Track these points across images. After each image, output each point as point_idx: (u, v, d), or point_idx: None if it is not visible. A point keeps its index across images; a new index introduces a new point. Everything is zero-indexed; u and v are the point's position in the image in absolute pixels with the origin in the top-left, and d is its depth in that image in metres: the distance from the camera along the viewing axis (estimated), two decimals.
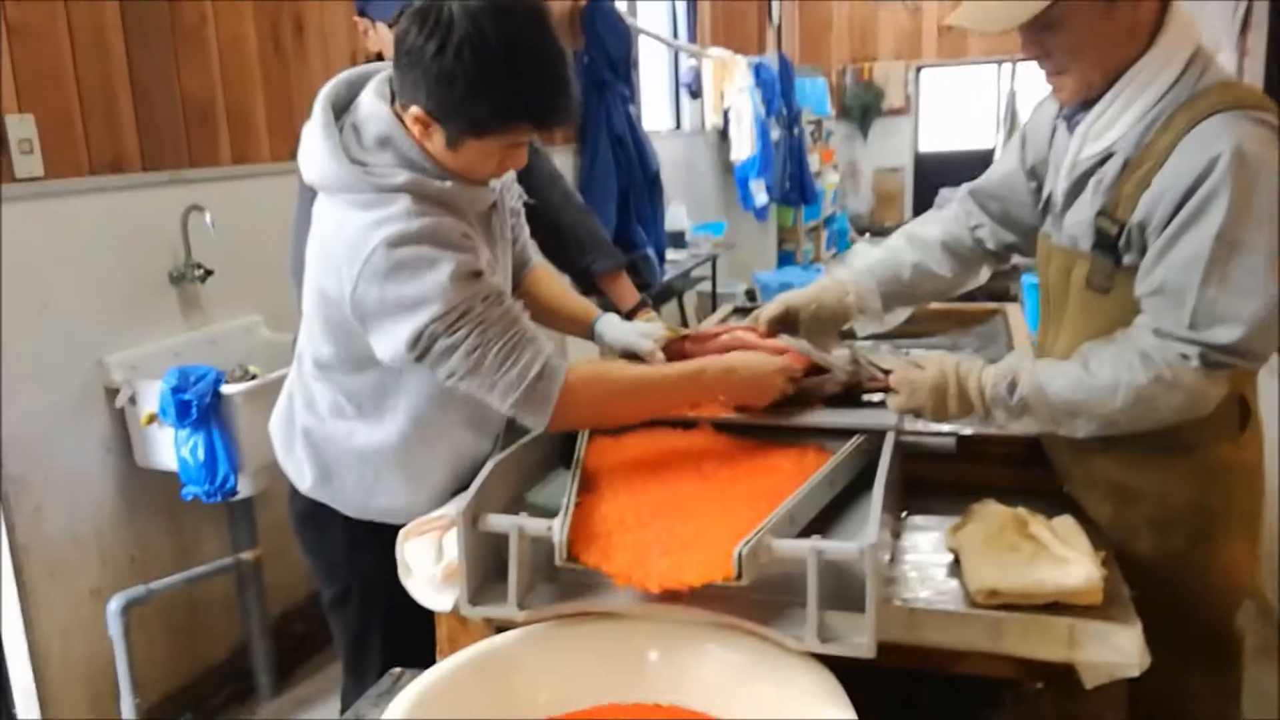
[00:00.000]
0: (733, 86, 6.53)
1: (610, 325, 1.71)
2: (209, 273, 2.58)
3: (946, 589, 1.30)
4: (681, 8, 6.78)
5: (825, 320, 1.62)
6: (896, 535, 1.44)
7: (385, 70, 1.45)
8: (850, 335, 1.74)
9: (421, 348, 1.35)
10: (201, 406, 2.19)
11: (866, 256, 1.67)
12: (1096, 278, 1.38)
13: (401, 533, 1.45)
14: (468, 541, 1.26)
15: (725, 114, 6.65)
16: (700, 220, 6.14)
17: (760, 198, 6.81)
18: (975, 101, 10.45)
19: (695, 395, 1.51)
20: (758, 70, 6.91)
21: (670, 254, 5.09)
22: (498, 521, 1.27)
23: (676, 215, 5.52)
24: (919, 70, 10.70)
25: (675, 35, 6.68)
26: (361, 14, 2.11)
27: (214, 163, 2.67)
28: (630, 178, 4.21)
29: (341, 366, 1.50)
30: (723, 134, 6.93)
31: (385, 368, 1.46)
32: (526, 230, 1.78)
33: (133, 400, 2.32)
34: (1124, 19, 1.29)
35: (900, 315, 1.69)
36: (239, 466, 2.28)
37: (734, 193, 6.98)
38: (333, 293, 1.40)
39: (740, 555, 1.14)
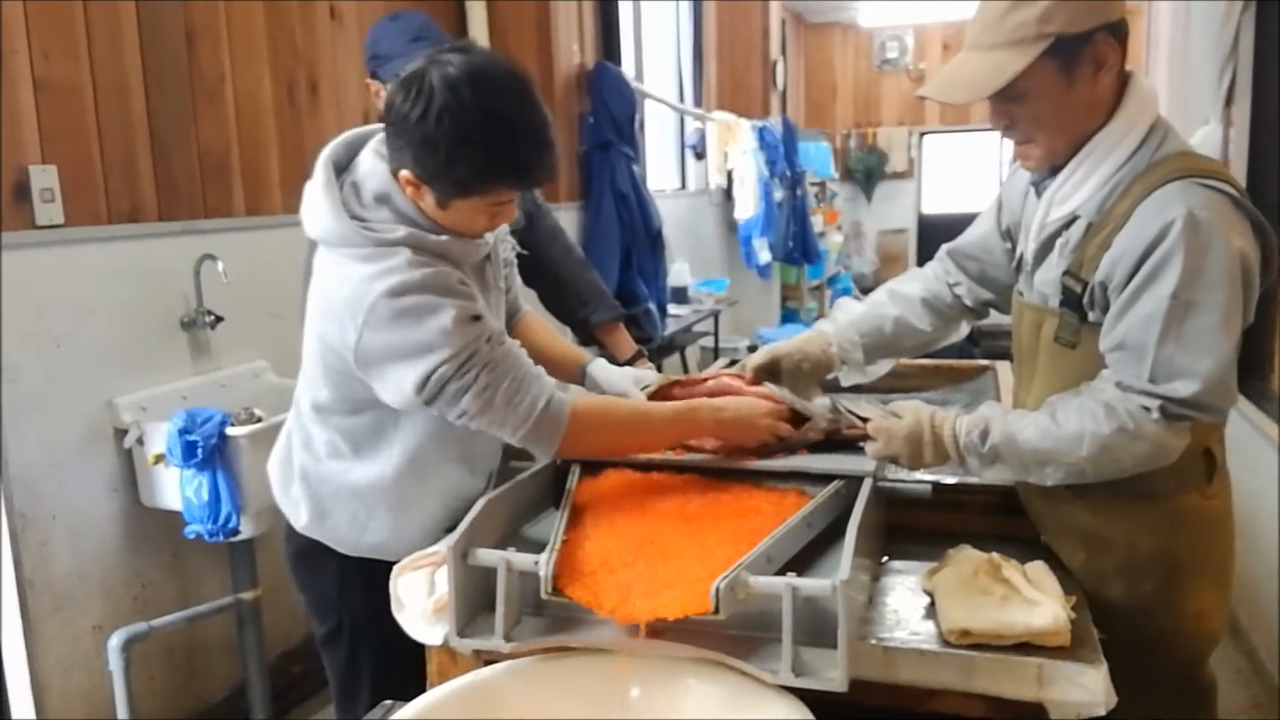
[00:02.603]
0: (736, 148, 6.68)
1: (601, 369, 1.78)
2: (219, 319, 2.65)
3: (921, 629, 1.34)
4: (688, 71, 6.96)
5: (809, 370, 1.69)
6: (875, 579, 1.49)
7: (383, 131, 1.54)
8: (835, 387, 1.80)
9: (430, 391, 1.42)
10: (207, 447, 2.25)
11: (850, 311, 1.74)
12: (1064, 333, 1.45)
13: (396, 568, 1.50)
14: (457, 575, 1.31)
15: (729, 175, 6.79)
16: (704, 277, 6.24)
17: (763, 256, 6.92)
18: (976, 166, 10.63)
19: (689, 431, 1.58)
20: (761, 133, 7.06)
21: (673, 309, 5.17)
22: (486, 556, 1.32)
23: (680, 272, 5.61)
24: (922, 135, 10.92)
25: (681, 98, 6.85)
26: (373, 76, 2.22)
27: (228, 214, 2.76)
28: (633, 234, 4.31)
29: (339, 409, 1.57)
30: (727, 194, 7.06)
31: (383, 409, 1.53)
32: (518, 280, 1.86)
33: (140, 441, 2.38)
34: (1084, 92, 1.37)
35: (882, 367, 1.75)
36: (241, 507, 2.33)
37: (738, 251, 7.09)
38: (333, 341, 1.47)
39: (718, 590, 1.19)
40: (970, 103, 1.37)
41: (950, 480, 1.70)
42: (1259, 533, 2.82)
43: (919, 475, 1.63)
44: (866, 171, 10.82)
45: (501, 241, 1.75)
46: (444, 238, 1.47)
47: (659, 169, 6.52)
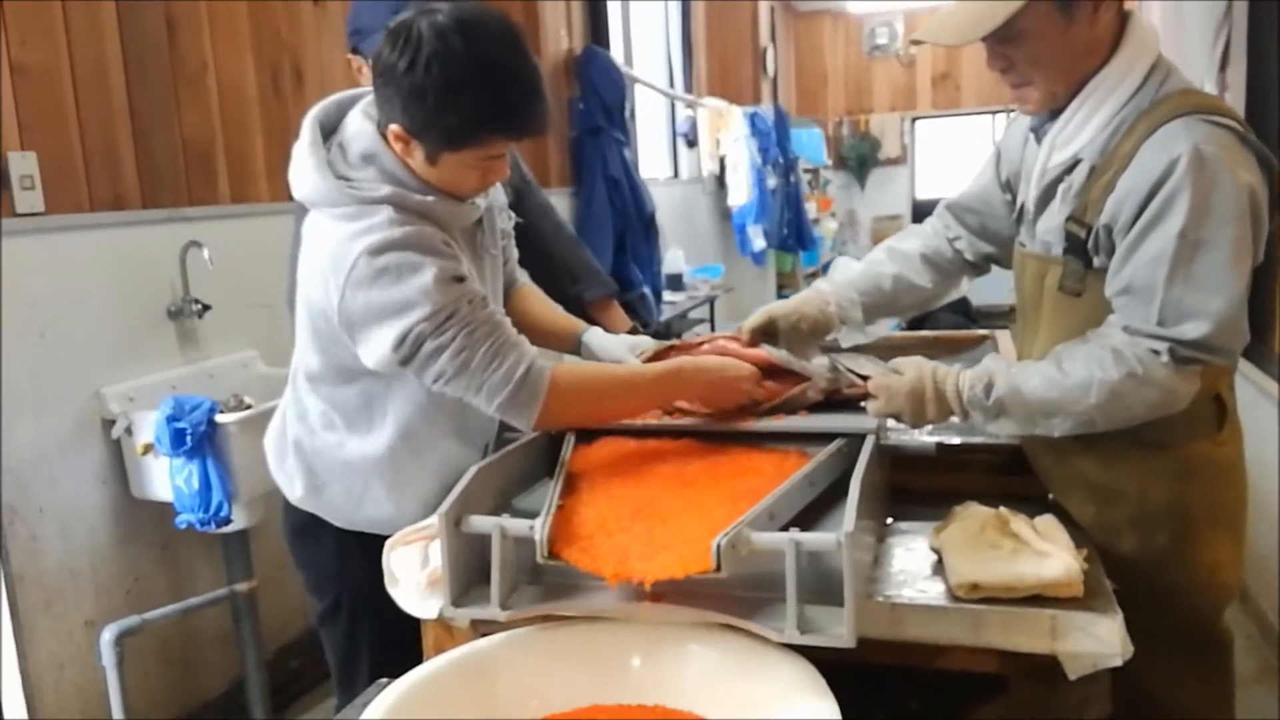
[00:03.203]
0: (728, 135, 6.64)
1: (597, 338, 1.74)
2: (206, 307, 2.61)
3: (929, 587, 1.31)
4: (678, 59, 6.92)
5: (807, 331, 1.65)
6: (881, 540, 1.45)
7: (372, 94, 1.50)
8: (836, 348, 1.76)
9: (408, 349, 1.38)
10: (196, 435, 2.21)
11: (848, 270, 1.70)
12: (1068, 281, 1.41)
13: (388, 542, 1.46)
14: (450, 543, 1.27)
15: (721, 161, 6.75)
16: (698, 264, 6.20)
17: (758, 243, 6.88)
18: (969, 151, 10.59)
19: (674, 391, 1.54)
20: (753, 119, 7.03)
21: (668, 295, 5.13)
22: (480, 522, 1.28)
23: (674, 259, 5.58)
24: (914, 121, 10.89)
25: (671, 85, 6.81)
26: (354, 51, 2.17)
27: (213, 201, 2.72)
28: (626, 219, 4.28)
29: (330, 378, 1.53)
30: (720, 181, 7.02)
31: (372, 379, 1.49)
32: (516, 252, 1.82)
33: (129, 431, 2.34)
34: (1083, 31, 1.34)
35: (883, 326, 1.72)
36: (233, 495, 2.29)
37: (732, 238, 7.06)
38: (319, 303, 1.44)
39: (719, 546, 1.15)
40: (966, 44, 1.33)
41: (955, 440, 1.66)
42: (1263, 496, 2.78)
43: (922, 433, 1.59)
44: (859, 158, 10.79)
45: (500, 211, 1.72)
46: (430, 198, 1.44)
47: (651, 157, 6.47)
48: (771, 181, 7.14)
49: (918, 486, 1.60)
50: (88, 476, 2.36)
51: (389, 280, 1.36)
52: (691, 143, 6.82)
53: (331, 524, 1.60)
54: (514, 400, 1.41)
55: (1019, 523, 1.35)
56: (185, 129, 2.64)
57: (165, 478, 2.31)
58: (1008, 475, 1.62)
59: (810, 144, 8.85)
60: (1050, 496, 1.52)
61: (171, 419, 2.20)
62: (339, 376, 1.52)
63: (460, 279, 1.40)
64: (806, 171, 8.39)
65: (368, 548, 1.54)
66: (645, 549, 1.23)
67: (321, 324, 1.47)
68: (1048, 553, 1.28)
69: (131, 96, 2.46)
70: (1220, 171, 1.25)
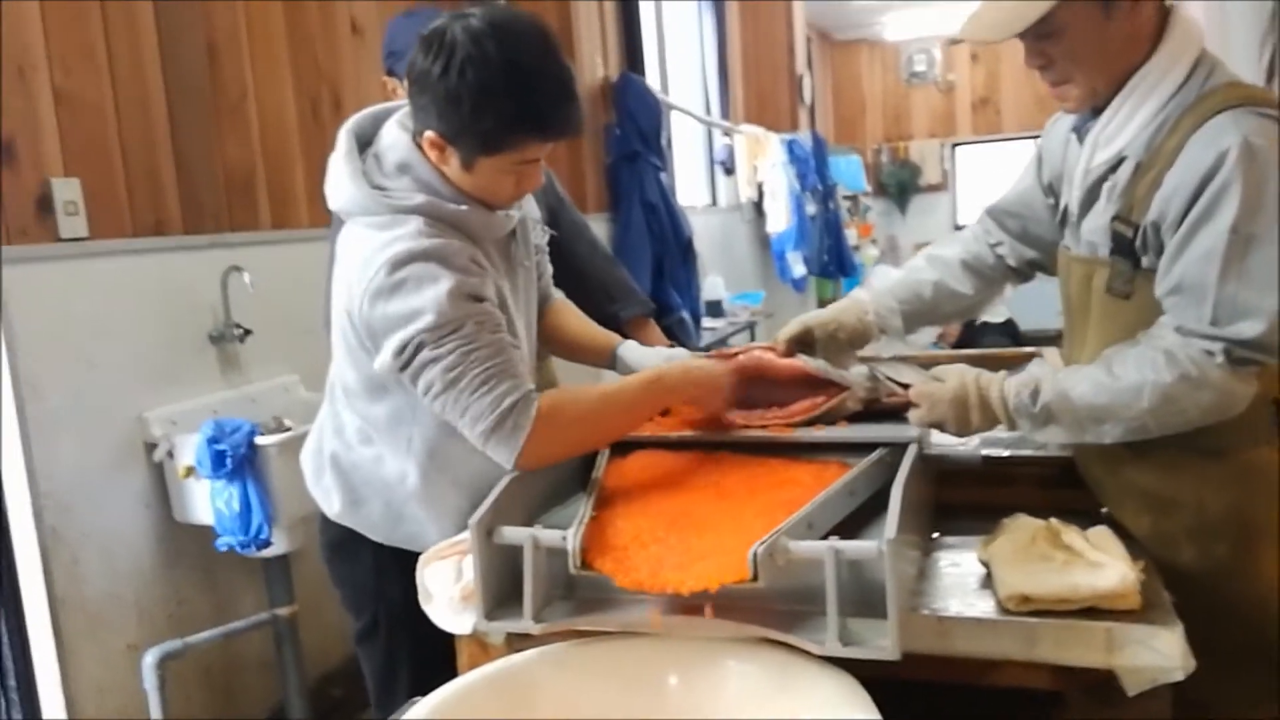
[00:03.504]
0: (766, 161, 6.62)
1: (632, 351, 1.72)
2: (248, 332, 2.63)
3: (978, 600, 1.26)
4: (714, 87, 6.94)
5: (844, 340, 1.61)
6: (925, 553, 1.41)
7: (408, 106, 1.50)
8: (875, 359, 1.73)
9: (406, 356, 1.36)
10: (236, 457, 2.22)
11: (887, 277, 1.67)
12: (1116, 282, 1.37)
13: (422, 558, 1.44)
14: (482, 554, 1.25)
15: (760, 188, 6.73)
16: (738, 291, 6.17)
17: (798, 269, 6.83)
18: (1010, 176, 10.44)
19: (663, 397, 1.50)
20: (790, 146, 7.01)
21: (707, 322, 5.11)
22: (512, 534, 1.26)
23: (714, 285, 5.55)
24: (955, 147, 10.81)
25: (708, 114, 6.82)
26: (389, 73, 2.19)
27: (254, 227, 2.75)
28: (664, 244, 4.26)
29: (362, 393, 1.52)
30: (758, 208, 7.00)
31: (401, 396, 1.48)
32: (550, 268, 1.81)
33: (170, 454, 2.36)
34: (1123, 25, 1.30)
35: (924, 335, 1.68)
36: (273, 517, 2.29)
37: (772, 265, 7.02)
38: (349, 313, 1.43)
39: (755, 555, 1.12)
40: (1003, 40, 1.30)
41: (1002, 452, 1.61)
42: None
43: (968, 445, 1.55)
44: (899, 185, 10.73)
45: (535, 225, 1.71)
46: (464, 207, 1.43)
47: (689, 185, 6.47)
48: (810, 208, 7.10)
49: (963, 501, 1.55)
50: (130, 500, 2.37)
51: (407, 290, 1.36)
52: (729, 170, 6.81)
53: (369, 540, 1.59)
54: (497, 430, 1.34)
55: (1071, 534, 1.30)
56: (226, 156, 2.67)
57: (207, 501, 2.32)
58: (1058, 489, 1.56)
59: (849, 171, 8.80)
60: (1104, 510, 1.46)
61: (212, 441, 2.21)
62: (370, 392, 1.51)
63: (478, 298, 1.39)
64: (846, 198, 8.33)
65: (404, 564, 1.53)
66: (680, 560, 1.20)
67: (352, 337, 1.47)
68: (1102, 563, 1.23)
69: (173, 123, 2.50)
70: (1271, 164, 1.20)
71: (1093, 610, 1.18)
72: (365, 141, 1.49)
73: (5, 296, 2.08)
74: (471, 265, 1.41)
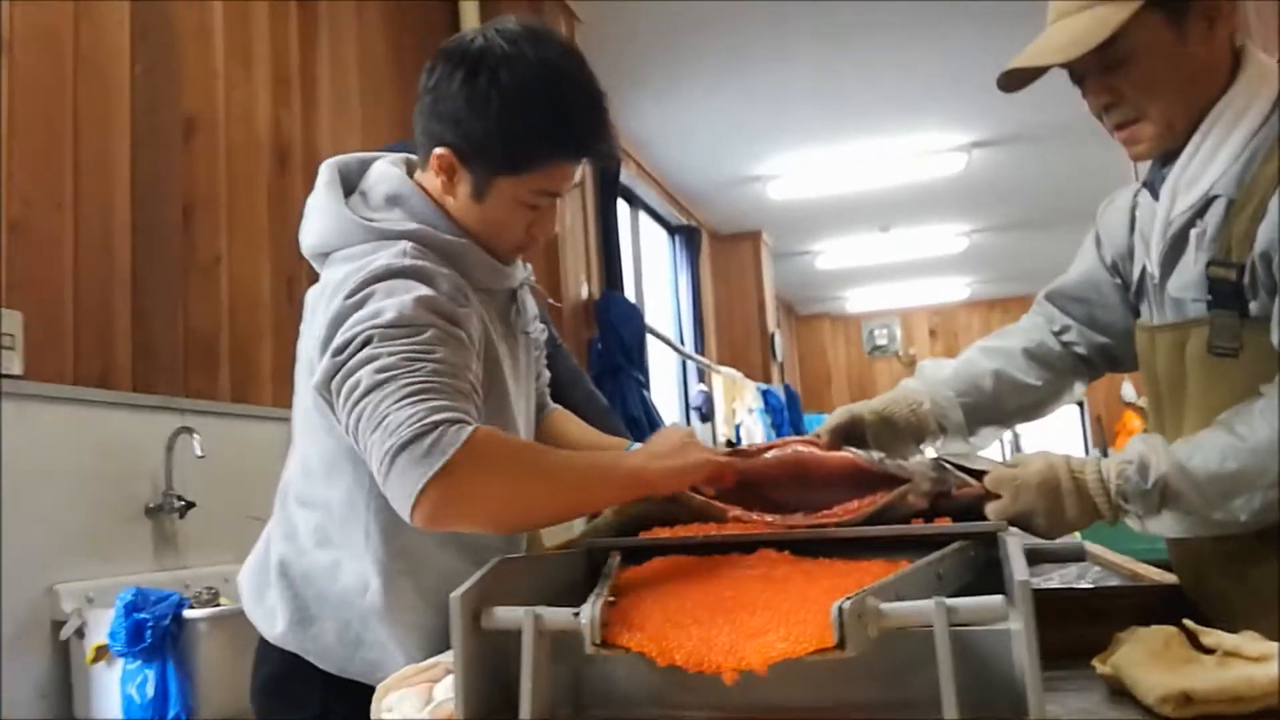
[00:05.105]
0: (742, 406, 6.56)
1: None
2: (190, 505, 2.33)
3: (1108, 711, 0.97)
4: (690, 336, 6.99)
5: (895, 435, 1.38)
6: None
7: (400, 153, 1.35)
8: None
9: (348, 354, 1.09)
10: (158, 630, 1.86)
11: (940, 368, 1.44)
12: (1220, 340, 1.17)
13: (380, 687, 1.12)
14: (467, 646, 0.95)
15: (736, 431, 6.62)
16: None
17: None
18: None
19: (622, 478, 1.18)
20: (766, 396, 6.99)
21: None
22: (506, 615, 0.96)
23: None
24: None
25: (684, 368, 6.82)
26: None
27: (211, 396, 2.52)
28: None
29: (320, 473, 1.26)
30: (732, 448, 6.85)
31: (353, 474, 1.22)
32: (548, 373, 1.59)
33: (80, 633, 1.99)
34: (1199, 52, 1.19)
35: (988, 437, 1.43)
36: (193, 709, 1.90)
37: None
38: (311, 361, 1.20)
39: (841, 612, 0.83)
40: (1069, 62, 1.18)
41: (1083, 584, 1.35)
42: None
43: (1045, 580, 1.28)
44: None
45: (536, 323, 1.51)
46: (462, 240, 1.24)
47: None
48: None
49: (1044, 644, 1.26)
50: (25, 687, 1.97)
51: (375, 299, 1.13)
52: (705, 416, 6.72)
53: (316, 675, 1.26)
54: (409, 448, 1.01)
55: (1214, 634, 1.03)
56: (190, 317, 2.49)
57: (116, 690, 1.93)
58: (1161, 620, 1.29)
59: None
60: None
61: (130, 609, 1.86)
62: (328, 473, 1.25)
63: (453, 320, 1.15)
64: None
65: (354, 710, 1.20)
66: (732, 640, 0.90)
67: (311, 397, 1.22)
68: (1270, 654, 0.95)
69: (135, 274, 2.33)
70: None
71: (1269, 713, 0.89)
72: (350, 185, 1.32)
73: None
74: (458, 294, 1.20)
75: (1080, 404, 10.31)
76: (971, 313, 11.65)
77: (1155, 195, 1.27)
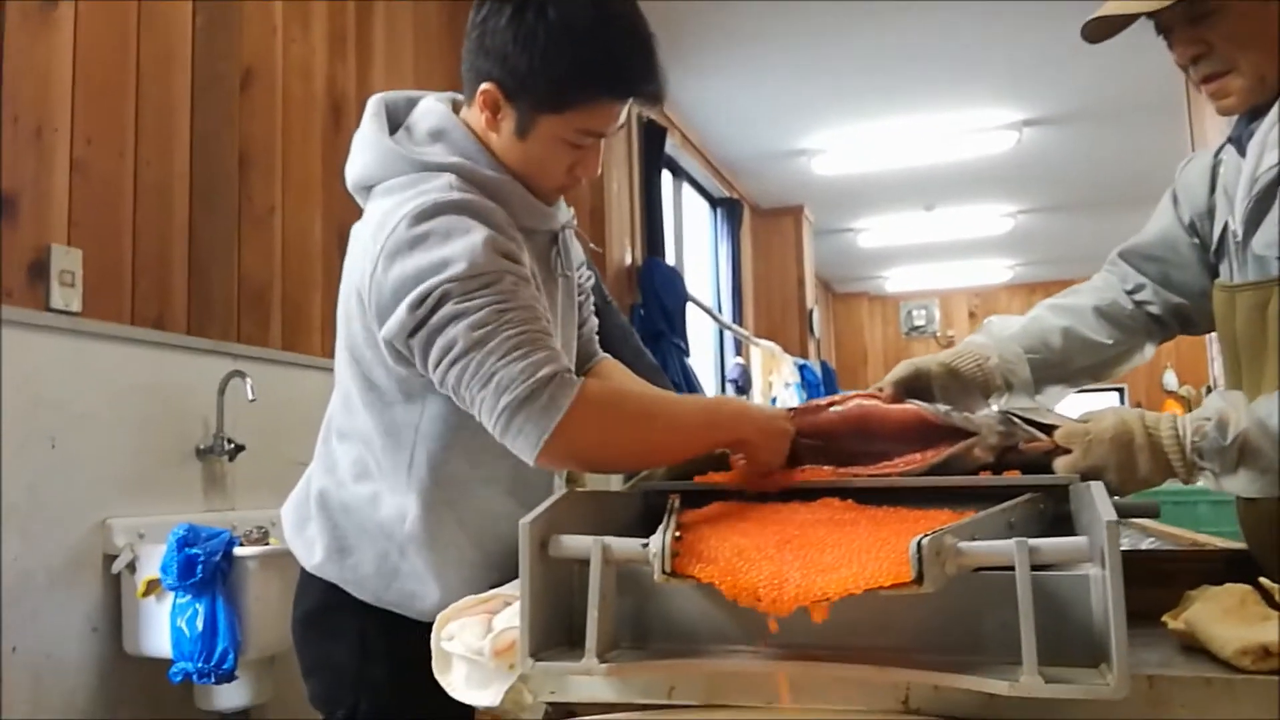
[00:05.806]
0: (779, 379, 6.53)
1: None
2: (239, 449, 2.36)
3: (1183, 663, 0.95)
4: (728, 308, 6.96)
5: (961, 388, 1.36)
6: None
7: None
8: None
9: (425, 311, 1.10)
10: (209, 566, 1.89)
11: (1006, 324, 1.42)
12: None
13: (439, 616, 1.12)
14: (534, 573, 0.95)
15: (772, 403, 6.59)
16: None
17: None
18: None
19: (712, 427, 1.22)
20: (803, 370, 6.95)
21: None
22: (574, 544, 0.96)
23: None
24: None
25: (720, 340, 6.80)
26: None
27: (263, 344, 2.54)
28: None
29: (362, 406, 1.27)
30: None
31: (402, 403, 1.23)
32: (595, 320, 1.58)
33: (132, 567, 2.02)
34: None
35: (1056, 395, 1.40)
36: (241, 647, 1.92)
37: None
38: (359, 293, 1.20)
39: (920, 546, 0.82)
40: (1162, 7, 1.15)
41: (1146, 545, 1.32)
42: None
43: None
44: None
45: (583, 269, 1.50)
46: (504, 176, 1.24)
47: None
48: None
49: None
50: (77, 619, 2.01)
51: (431, 243, 1.13)
52: (741, 389, 6.70)
53: (353, 608, 1.27)
54: (529, 403, 1.08)
55: None
56: (244, 265, 2.51)
57: (165, 627, 1.96)
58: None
59: None
60: None
61: (183, 544, 1.89)
62: (370, 405, 1.26)
63: (516, 260, 1.16)
64: None
65: (392, 641, 1.24)
66: (804, 575, 0.89)
67: (358, 328, 1.23)
68: None
69: (193, 220, 2.35)
70: None
71: None
72: (396, 124, 1.31)
73: None
74: (507, 228, 1.20)
75: (1120, 390, 10.16)
76: (1013, 296, 11.50)
77: (1241, 151, 1.23)
